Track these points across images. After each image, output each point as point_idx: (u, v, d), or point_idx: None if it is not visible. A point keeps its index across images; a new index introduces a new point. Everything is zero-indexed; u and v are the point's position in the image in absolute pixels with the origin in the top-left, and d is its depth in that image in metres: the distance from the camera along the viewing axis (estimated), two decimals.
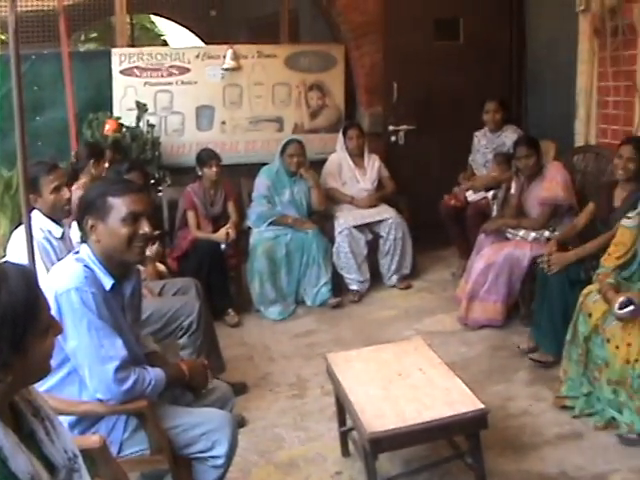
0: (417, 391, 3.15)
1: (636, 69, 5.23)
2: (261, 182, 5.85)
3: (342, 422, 3.51)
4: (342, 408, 3.42)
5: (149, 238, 2.72)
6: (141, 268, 4.02)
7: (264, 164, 6.06)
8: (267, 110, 6.91)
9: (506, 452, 3.54)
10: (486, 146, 6.28)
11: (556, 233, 5.03)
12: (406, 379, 3.28)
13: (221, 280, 5.35)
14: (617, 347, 3.63)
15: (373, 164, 6.30)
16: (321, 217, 6.05)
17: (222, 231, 5.51)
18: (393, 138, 6.80)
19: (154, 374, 2.68)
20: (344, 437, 3.53)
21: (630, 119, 5.32)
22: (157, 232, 4.81)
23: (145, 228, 2.64)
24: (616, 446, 3.56)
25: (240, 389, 4.12)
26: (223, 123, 6.81)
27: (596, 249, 4.25)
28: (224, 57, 6.65)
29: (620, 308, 3.55)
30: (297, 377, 4.45)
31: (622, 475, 3.32)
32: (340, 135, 6.37)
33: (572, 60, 5.97)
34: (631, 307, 3.52)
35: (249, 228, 5.83)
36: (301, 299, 5.70)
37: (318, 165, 6.29)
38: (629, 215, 3.95)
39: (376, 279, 6.03)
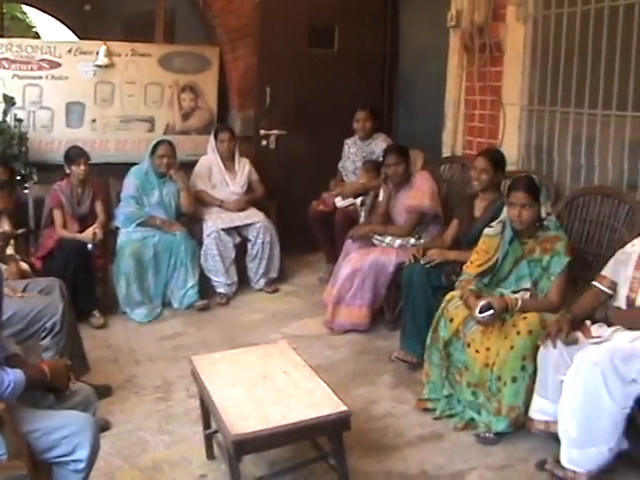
0: (281, 393, 3.19)
1: (501, 85, 5.49)
2: (130, 182, 5.76)
3: (207, 425, 3.50)
4: (207, 411, 3.41)
5: (9, 237, 2.65)
6: (3, 267, 3.90)
7: (134, 164, 5.95)
8: (139, 110, 6.85)
9: (369, 453, 3.61)
10: (356, 154, 6.38)
11: (422, 241, 5.20)
12: (270, 381, 3.30)
13: (87, 281, 5.23)
14: (477, 351, 3.79)
15: (243, 168, 6.32)
16: (190, 219, 6.01)
17: (89, 231, 5.38)
18: (264, 142, 6.81)
19: (13, 375, 2.60)
20: (209, 440, 3.52)
21: (495, 132, 5.57)
22: (21, 230, 4.70)
23: (4, 226, 2.57)
24: (474, 445, 3.71)
25: (104, 392, 4.05)
26: (93, 121, 6.70)
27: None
28: (97, 53, 6.57)
29: (480, 312, 3.69)
30: (162, 380, 4.41)
31: (479, 472, 3.47)
32: (211, 137, 6.35)
33: (442, 73, 6.17)
34: (491, 311, 3.67)
35: (117, 228, 5.73)
36: (168, 301, 5.65)
37: (188, 167, 6.25)
38: (491, 224, 4.13)
39: (244, 282, 6.04)
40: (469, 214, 4.77)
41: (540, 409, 3.55)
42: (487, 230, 4.14)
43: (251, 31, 6.86)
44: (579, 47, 4.88)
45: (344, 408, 3.08)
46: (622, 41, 4.53)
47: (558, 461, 3.34)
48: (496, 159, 4.67)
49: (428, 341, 4.09)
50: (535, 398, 3.58)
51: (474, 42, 5.56)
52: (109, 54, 6.58)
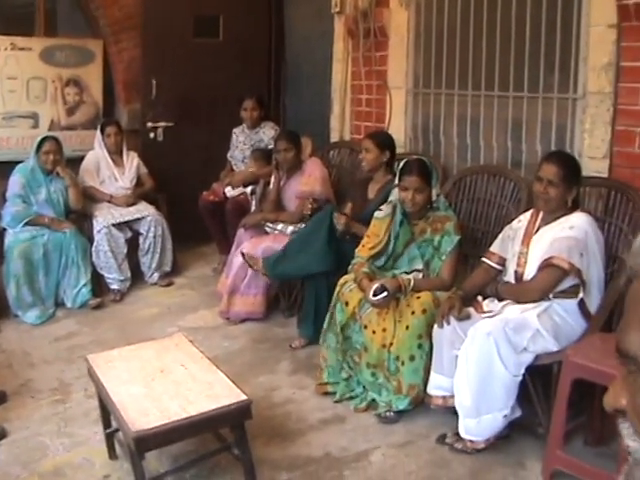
0: (180, 387, 3.18)
1: (387, 69, 5.56)
2: (15, 181, 5.59)
3: (107, 424, 3.45)
4: (106, 410, 3.36)
5: None
6: None
7: (19, 162, 5.79)
8: (21, 106, 6.62)
9: (273, 440, 3.64)
10: (244, 142, 6.38)
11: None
12: (169, 376, 3.29)
13: None
14: (374, 332, 3.87)
15: (132, 161, 6.24)
16: (79, 216, 5.90)
17: None
18: (152, 135, 6.74)
19: None
20: (110, 439, 3.46)
21: (382, 116, 5.65)
22: None
23: None
24: (375, 425, 3.78)
25: None
26: None
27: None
28: None
29: (374, 295, 3.75)
30: (59, 382, 4.31)
31: (382, 451, 3.55)
32: (98, 132, 6.24)
33: (328, 59, 6.23)
34: (384, 293, 3.74)
35: (4, 229, 5.57)
36: (61, 301, 5.52)
37: (76, 163, 6.13)
38: (381, 207, 4.21)
39: (137, 277, 5.97)
40: (362, 196, 4.84)
41: (437, 385, 3.64)
42: (377, 213, 4.22)
43: (135, 22, 6.76)
44: (461, 30, 4.99)
45: (244, 397, 3.09)
46: (501, 23, 4.66)
47: (457, 434, 3.47)
48: (380, 139, 4.77)
49: (325, 325, 4.15)
50: (432, 375, 3.67)
51: (358, 27, 5.61)
52: None
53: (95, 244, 5.71)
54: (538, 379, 3.44)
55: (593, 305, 3.53)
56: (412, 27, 5.39)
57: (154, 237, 5.93)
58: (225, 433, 3.36)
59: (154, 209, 6.06)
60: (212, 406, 3.04)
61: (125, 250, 5.83)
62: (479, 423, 3.36)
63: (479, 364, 3.32)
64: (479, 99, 4.92)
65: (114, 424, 3.37)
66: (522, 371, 3.34)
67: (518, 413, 3.42)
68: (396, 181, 4.13)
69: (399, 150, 5.24)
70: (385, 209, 4.18)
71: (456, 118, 5.13)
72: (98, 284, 5.71)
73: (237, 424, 3.17)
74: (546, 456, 3.30)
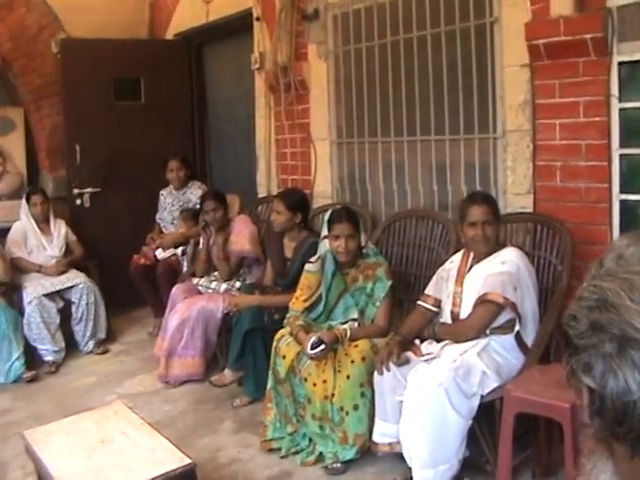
0: (122, 455, 3.12)
1: (309, 121, 5.62)
2: None
3: None
4: None
5: None
6: None
7: None
8: None
9: None
10: (172, 203, 6.39)
11: (247, 282, 5.27)
12: (109, 445, 3.23)
13: None
14: (314, 384, 3.85)
15: (59, 229, 6.15)
16: (8, 288, 5.77)
17: None
18: (78, 201, 6.70)
19: None
20: None
21: (308, 168, 5.68)
22: None
23: None
24: (323, 477, 3.76)
25: None
26: None
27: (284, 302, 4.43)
28: None
29: (312, 348, 3.75)
30: None
31: None
32: (23, 202, 6.13)
33: (251, 115, 6.29)
34: (322, 346, 3.75)
35: None
36: None
37: (2, 234, 6.04)
38: (311, 260, 4.24)
39: (72, 347, 5.84)
40: (280, 255, 4.89)
41: (382, 432, 3.63)
42: (308, 266, 4.24)
43: (56, 89, 6.77)
44: (380, 78, 5.06)
45: (188, 461, 3.04)
46: (419, 69, 4.75)
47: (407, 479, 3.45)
48: (291, 201, 4.80)
49: (270, 382, 4.12)
50: (377, 422, 3.66)
51: (279, 82, 5.67)
52: None
53: (26, 316, 5.57)
54: (482, 417, 3.45)
55: (529, 338, 3.58)
56: (332, 79, 5.46)
57: (86, 305, 5.83)
58: None
59: (85, 276, 5.96)
60: (156, 473, 2.98)
61: (58, 320, 5.71)
62: (436, 473, 3.31)
63: (432, 416, 3.29)
64: (402, 145, 4.98)
65: None
66: (474, 414, 3.35)
67: (466, 453, 3.41)
68: (324, 232, 4.17)
69: (326, 201, 5.29)
70: (315, 263, 4.21)
71: (381, 165, 5.18)
72: (31, 356, 5.56)
73: None
74: None
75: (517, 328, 3.51)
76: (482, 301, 3.51)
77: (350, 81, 5.34)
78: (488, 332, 3.56)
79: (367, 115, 5.23)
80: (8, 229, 6.13)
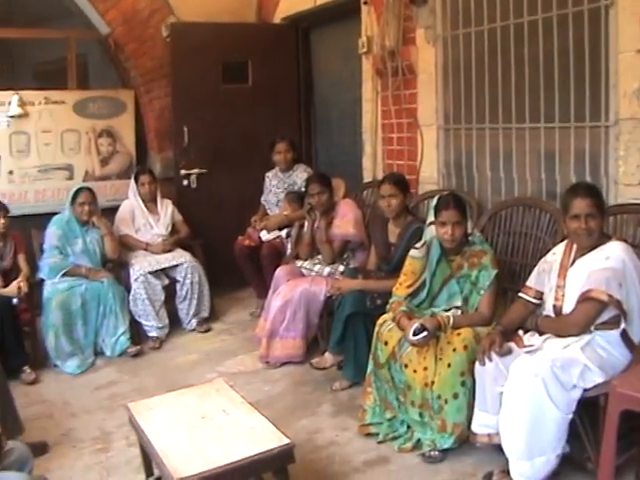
0: (222, 432, 3.16)
1: (417, 106, 5.56)
2: (52, 232, 5.64)
3: (149, 472, 3.45)
4: (148, 457, 3.35)
5: None
6: None
7: (55, 214, 5.84)
8: (56, 158, 6.76)
9: None
10: (277, 186, 6.41)
11: (351, 266, 5.25)
12: (210, 421, 3.27)
13: (14, 336, 5.06)
14: (415, 371, 3.81)
15: (166, 209, 6.29)
16: (116, 265, 5.94)
17: (13, 285, 5.23)
18: (185, 182, 6.83)
19: None
20: None
21: (414, 154, 5.63)
22: None
23: None
24: (420, 465, 3.71)
25: (41, 449, 3.91)
26: (10, 173, 6.58)
27: (387, 288, 4.39)
28: (9, 104, 6.47)
29: (414, 334, 3.70)
30: (101, 431, 4.30)
31: None
32: (132, 181, 6.31)
33: (357, 100, 6.27)
34: (424, 333, 3.70)
35: (42, 280, 5.60)
36: (100, 350, 5.53)
37: (111, 212, 6.21)
38: (416, 246, 4.18)
39: (175, 324, 5.98)
40: (384, 240, 4.84)
41: (482, 422, 3.57)
42: (413, 252, 4.19)
43: (165, 72, 6.91)
44: (489, 64, 4.97)
45: (287, 441, 3.06)
46: (529, 55, 4.64)
47: (504, 472, 3.38)
48: (403, 183, 4.76)
49: (370, 366, 4.10)
50: (476, 412, 3.60)
51: (386, 66, 5.63)
52: (22, 104, 6.49)
53: (132, 292, 5.73)
54: (585, 412, 3.35)
55: (636, 334, 3.45)
56: (440, 63, 5.39)
57: (191, 284, 5.94)
58: (268, 478, 3.31)
59: (190, 256, 6.08)
60: (254, 451, 3.00)
61: (162, 297, 5.85)
62: (532, 465, 3.26)
63: (529, 407, 3.23)
64: (510, 132, 4.88)
65: (156, 472, 3.35)
66: (574, 408, 3.25)
67: (567, 449, 3.32)
68: (430, 218, 4.11)
69: (432, 187, 5.21)
70: (420, 249, 4.16)
71: (488, 152, 5.09)
72: (136, 332, 5.72)
73: (280, 468, 3.13)
74: None
75: (623, 325, 3.39)
76: (586, 298, 3.39)
77: (458, 66, 5.26)
78: (592, 328, 3.44)
79: (475, 101, 5.14)
80: (117, 207, 6.30)
